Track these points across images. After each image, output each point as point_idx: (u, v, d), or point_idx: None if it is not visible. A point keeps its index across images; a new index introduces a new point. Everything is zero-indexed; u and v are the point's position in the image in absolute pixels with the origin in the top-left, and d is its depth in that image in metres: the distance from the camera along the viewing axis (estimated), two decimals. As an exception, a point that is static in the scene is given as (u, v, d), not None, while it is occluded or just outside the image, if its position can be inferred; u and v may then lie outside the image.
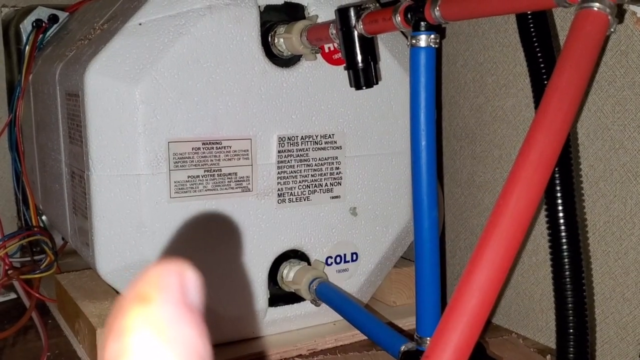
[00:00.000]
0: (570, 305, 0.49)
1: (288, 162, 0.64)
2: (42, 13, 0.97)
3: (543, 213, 0.52)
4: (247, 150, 0.62)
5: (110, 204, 0.58)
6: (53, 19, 0.97)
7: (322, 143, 0.66)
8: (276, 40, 0.61)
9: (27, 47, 0.93)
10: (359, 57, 0.54)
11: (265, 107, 0.62)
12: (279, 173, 0.64)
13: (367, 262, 0.70)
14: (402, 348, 0.51)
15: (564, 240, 0.49)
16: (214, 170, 0.61)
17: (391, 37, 0.67)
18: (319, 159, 0.66)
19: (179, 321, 0.16)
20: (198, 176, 0.60)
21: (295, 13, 0.63)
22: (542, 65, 0.52)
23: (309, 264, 0.67)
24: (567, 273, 0.49)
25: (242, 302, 0.64)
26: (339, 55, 0.64)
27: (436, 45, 0.46)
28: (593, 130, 0.60)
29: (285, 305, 0.67)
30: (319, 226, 0.67)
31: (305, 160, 0.65)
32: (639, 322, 0.58)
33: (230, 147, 0.61)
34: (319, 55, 0.63)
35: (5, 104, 0.96)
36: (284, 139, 0.63)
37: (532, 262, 0.68)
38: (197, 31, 0.58)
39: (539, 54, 0.52)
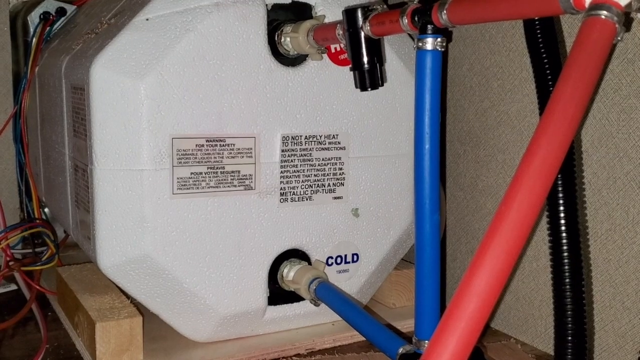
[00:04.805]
0: (569, 312, 0.49)
1: (291, 161, 0.64)
2: (50, 5, 0.97)
3: (545, 219, 0.52)
4: (251, 149, 0.62)
5: (112, 199, 0.58)
6: (61, 11, 0.97)
7: (326, 143, 0.66)
8: (282, 39, 0.61)
9: (34, 40, 0.93)
10: (365, 59, 0.54)
11: (270, 106, 0.62)
12: (282, 172, 0.64)
13: (368, 263, 0.70)
14: (400, 350, 0.51)
15: (565, 247, 0.49)
16: (217, 168, 0.61)
17: (398, 39, 0.67)
18: (323, 159, 0.66)
19: None
20: (201, 173, 0.60)
21: (302, 12, 0.63)
22: (548, 71, 0.52)
23: (310, 263, 0.67)
24: (567, 280, 0.49)
25: (241, 299, 0.64)
26: (345, 56, 0.64)
27: (442, 49, 0.46)
28: (597, 138, 0.60)
29: (285, 304, 0.67)
30: (321, 226, 0.67)
31: (308, 160, 0.65)
32: (638, 331, 0.58)
33: (234, 145, 0.61)
34: (325, 56, 0.63)
35: (11, 95, 0.96)
36: (287, 138, 0.63)
37: (532, 268, 0.68)
38: (203, 28, 0.58)
39: (545, 60, 0.52)
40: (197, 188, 0.60)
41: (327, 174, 0.66)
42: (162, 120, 0.58)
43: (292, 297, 0.67)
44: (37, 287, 0.77)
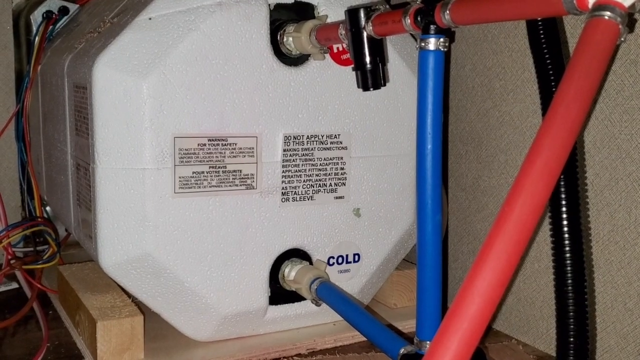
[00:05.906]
0: (571, 313, 0.49)
1: (293, 161, 0.64)
2: (53, 4, 0.97)
3: (547, 220, 0.52)
4: (253, 148, 0.62)
5: (114, 197, 0.58)
6: (63, 10, 0.97)
7: (327, 143, 0.66)
8: (285, 39, 0.61)
9: (37, 38, 0.93)
10: (368, 58, 0.54)
11: (272, 105, 0.62)
12: (283, 172, 0.64)
13: (369, 263, 0.70)
14: (402, 351, 0.51)
15: (567, 248, 0.49)
16: (218, 167, 0.61)
17: (400, 40, 0.67)
18: (324, 159, 0.66)
19: None
20: (203, 172, 0.60)
21: (305, 12, 0.63)
22: (550, 72, 0.52)
23: (311, 263, 0.67)
24: (569, 281, 0.49)
25: (242, 299, 0.64)
26: (347, 56, 0.64)
27: (445, 49, 0.46)
28: (600, 139, 0.60)
29: (286, 304, 0.67)
30: (322, 226, 0.67)
31: (310, 160, 0.65)
32: (640, 332, 0.58)
33: (235, 144, 0.61)
34: (327, 55, 0.63)
35: (13, 94, 0.97)
36: (289, 138, 0.63)
37: (534, 269, 0.68)
38: (206, 27, 0.58)
39: (547, 61, 0.52)
40: (199, 187, 0.60)
41: (329, 174, 0.66)
42: (165, 119, 0.58)
43: (293, 297, 0.67)
44: (39, 285, 0.77)
